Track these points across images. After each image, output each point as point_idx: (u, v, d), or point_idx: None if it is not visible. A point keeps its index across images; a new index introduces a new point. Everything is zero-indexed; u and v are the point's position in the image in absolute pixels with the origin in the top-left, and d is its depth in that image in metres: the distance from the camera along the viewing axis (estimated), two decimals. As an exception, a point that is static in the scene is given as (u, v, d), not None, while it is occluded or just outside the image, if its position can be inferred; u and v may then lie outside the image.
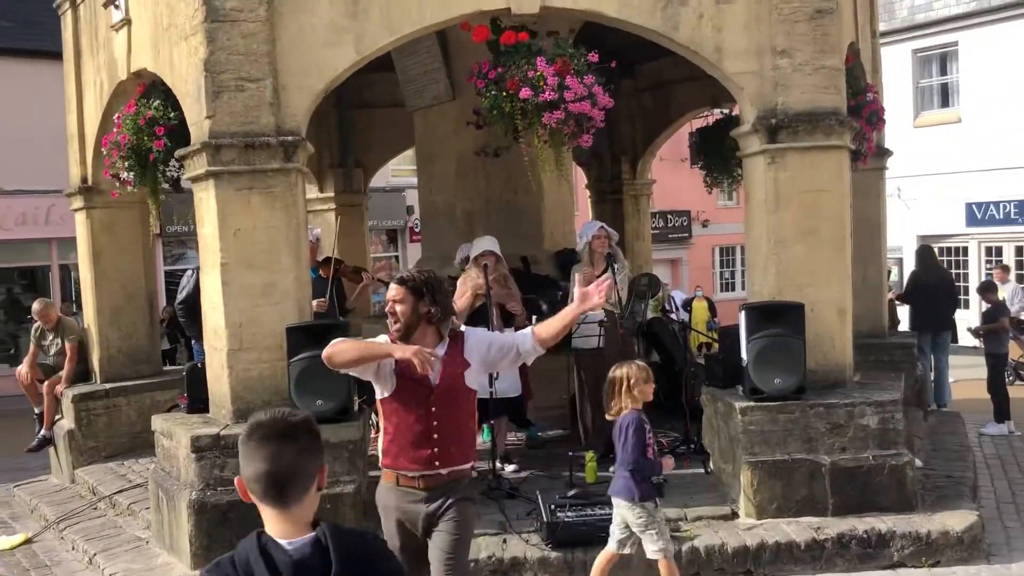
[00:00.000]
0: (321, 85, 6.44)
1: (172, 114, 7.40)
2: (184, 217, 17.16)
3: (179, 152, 6.75)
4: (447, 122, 9.33)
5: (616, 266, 6.95)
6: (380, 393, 3.90)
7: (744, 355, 6.28)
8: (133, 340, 9.15)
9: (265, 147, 6.23)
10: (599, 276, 7.15)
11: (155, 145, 7.40)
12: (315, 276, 7.79)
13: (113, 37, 8.03)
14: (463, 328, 4.11)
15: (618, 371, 5.13)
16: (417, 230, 24.04)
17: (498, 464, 6.94)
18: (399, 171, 21.71)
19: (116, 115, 7.81)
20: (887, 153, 9.82)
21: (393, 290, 3.88)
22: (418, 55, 9.27)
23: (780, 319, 6.26)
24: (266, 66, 6.26)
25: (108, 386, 8.92)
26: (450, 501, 3.87)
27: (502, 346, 4.01)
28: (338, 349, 3.89)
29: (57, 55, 10.67)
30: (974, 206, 20.19)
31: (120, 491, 7.78)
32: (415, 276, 3.89)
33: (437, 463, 3.83)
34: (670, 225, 27.95)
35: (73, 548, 7.07)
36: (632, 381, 5.02)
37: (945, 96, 21.14)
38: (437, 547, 3.86)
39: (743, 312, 6.36)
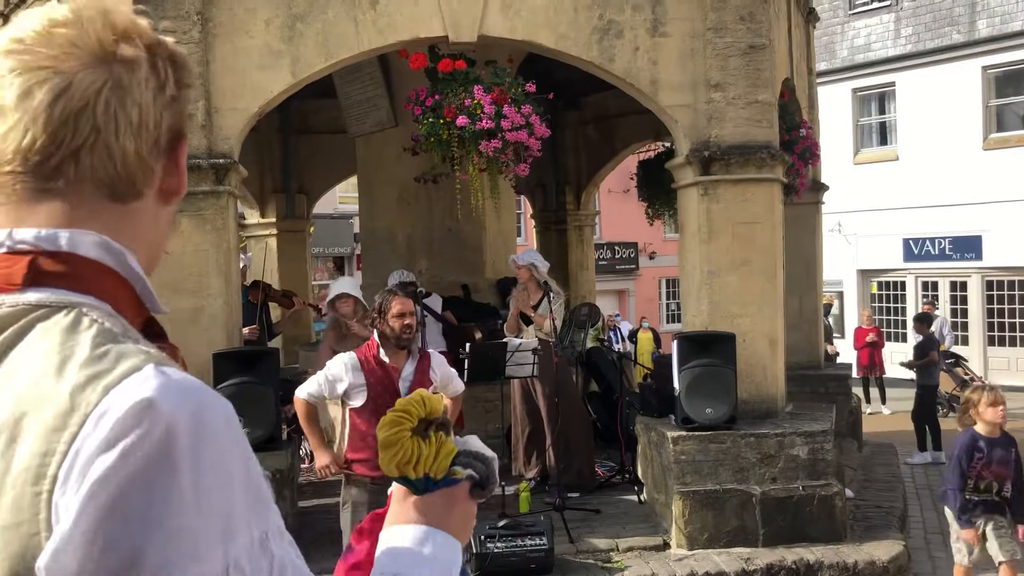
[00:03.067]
0: (255, 107, 6.38)
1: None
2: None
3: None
4: (389, 148, 9.29)
5: (551, 295, 6.94)
6: (352, 404, 4.42)
7: (676, 384, 6.31)
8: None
9: (196, 169, 6.12)
10: (534, 306, 7.20)
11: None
12: (245, 301, 7.66)
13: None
14: (428, 350, 4.61)
15: (972, 393, 5.61)
16: (364, 258, 23.98)
17: None
18: (346, 198, 21.59)
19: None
20: (823, 188, 10.03)
21: (409, 305, 4.44)
22: (360, 81, 9.25)
23: (712, 349, 6.31)
24: (198, 87, 6.17)
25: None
26: None
27: (451, 379, 4.68)
28: (300, 412, 4.62)
29: None
30: (911, 241, 20.67)
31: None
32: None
33: None
34: (617, 256, 28.17)
35: None
36: (975, 402, 5.43)
37: (884, 134, 21.69)
38: None
39: (675, 342, 6.40)
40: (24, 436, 0.77)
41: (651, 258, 28.64)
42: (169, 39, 0.96)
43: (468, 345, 6.53)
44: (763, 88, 6.66)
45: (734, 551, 6.07)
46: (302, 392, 4.56)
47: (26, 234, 0.86)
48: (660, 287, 29.28)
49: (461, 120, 6.29)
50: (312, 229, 13.51)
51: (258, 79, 6.34)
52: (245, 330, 6.87)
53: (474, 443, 1.11)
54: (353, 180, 15.08)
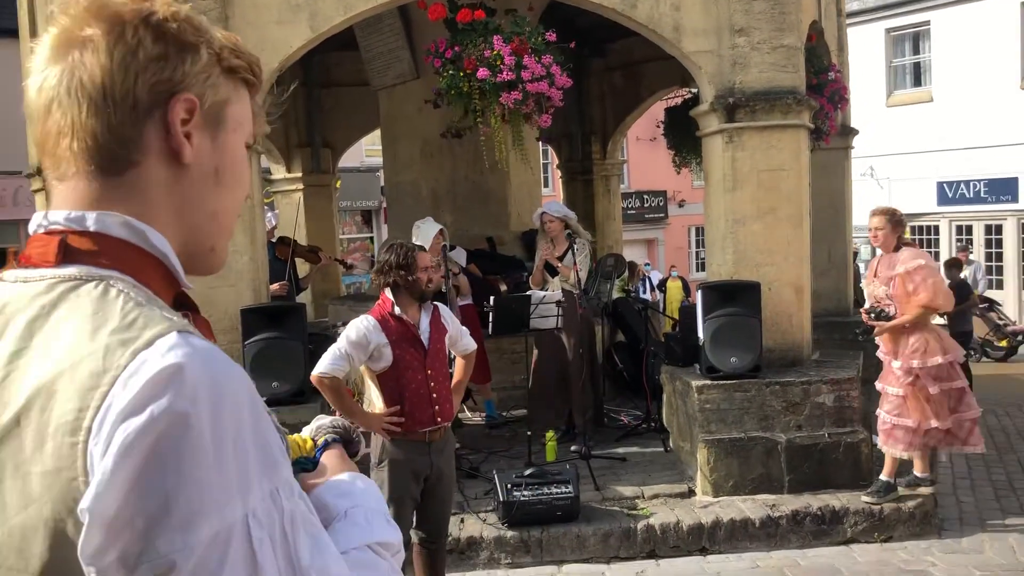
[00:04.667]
0: (275, 63, 6.36)
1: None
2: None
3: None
4: (412, 101, 9.25)
5: (575, 246, 6.94)
6: (377, 368, 4.30)
7: (701, 334, 6.31)
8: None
9: (219, 127, 6.15)
10: (560, 257, 7.20)
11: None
12: (272, 257, 7.73)
13: (68, 15, 7.91)
14: (436, 303, 4.56)
15: None
16: (392, 210, 24.01)
17: None
18: (372, 151, 21.54)
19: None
20: (852, 132, 9.86)
21: (431, 260, 4.49)
22: (381, 33, 9.18)
23: (737, 298, 6.29)
24: (219, 44, 6.17)
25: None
26: (447, 452, 4.47)
27: (460, 335, 4.59)
28: (326, 392, 4.37)
29: (13, 33, 10.53)
30: (945, 185, 20.32)
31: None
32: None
33: (439, 419, 4.35)
34: (646, 205, 27.98)
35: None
36: None
37: (918, 75, 21.21)
38: (442, 498, 4.46)
39: (700, 291, 6.38)
40: (61, 393, 0.86)
41: (680, 206, 28.40)
42: (161, 3, 0.99)
43: (492, 298, 6.56)
44: (789, 32, 6.53)
45: (759, 498, 6.11)
46: (324, 369, 4.25)
47: (58, 215, 0.96)
48: (690, 235, 29.08)
49: (481, 72, 6.24)
50: (339, 183, 13.52)
51: (277, 34, 6.31)
52: (274, 286, 6.95)
53: (325, 419, 1.42)
54: (378, 132, 15.11)
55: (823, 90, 7.83)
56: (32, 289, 0.93)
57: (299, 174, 12.28)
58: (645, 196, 27.79)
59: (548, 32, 6.43)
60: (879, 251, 6.21)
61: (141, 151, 0.97)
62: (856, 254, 17.15)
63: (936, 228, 20.81)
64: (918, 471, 6.04)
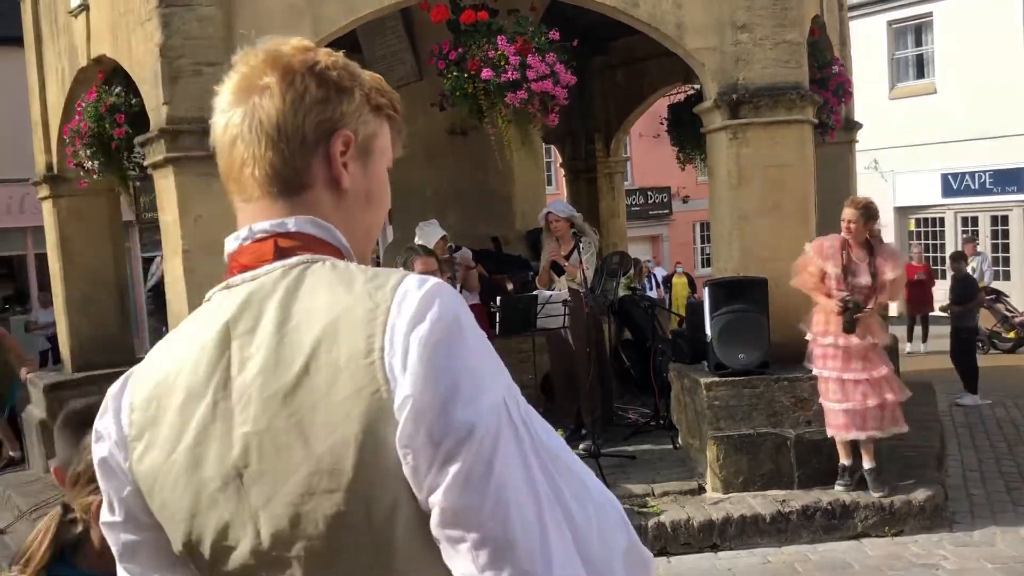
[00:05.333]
0: (280, 69, 6.38)
1: (133, 100, 7.35)
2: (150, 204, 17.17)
3: (139, 139, 6.70)
4: (415, 103, 9.23)
5: (581, 245, 6.95)
6: None
7: (708, 331, 6.31)
8: (104, 329, 9.10)
9: (225, 133, 6.17)
10: (566, 256, 7.22)
11: (116, 133, 7.35)
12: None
13: (72, 23, 7.94)
14: None
15: None
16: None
17: None
18: (377, 152, 21.61)
19: (77, 103, 7.74)
20: (856, 126, 9.85)
21: (432, 264, 4.56)
22: (384, 35, 9.21)
23: (744, 294, 6.29)
24: (223, 50, 6.19)
25: (79, 375, 8.88)
26: None
27: None
28: None
29: (15, 40, 10.55)
30: (950, 176, 20.27)
31: (93, 480, 7.77)
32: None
33: None
34: (650, 202, 27.96)
35: (45, 538, 7.06)
36: None
37: (920, 67, 21.16)
38: None
39: (707, 288, 6.39)
40: (342, 334, 1.04)
41: (684, 202, 28.37)
42: (323, 53, 1.20)
43: (498, 298, 6.58)
44: (791, 28, 6.54)
45: (769, 494, 6.12)
46: None
47: (263, 225, 1.14)
48: (695, 231, 29.04)
49: (486, 73, 6.26)
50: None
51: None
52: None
53: None
54: (382, 135, 15.16)
55: (827, 84, 7.83)
56: (268, 279, 1.10)
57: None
58: (649, 193, 27.77)
59: (551, 31, 6.44)
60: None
61: (311, 178, 1.15)
62: None
63: (941, 220, 20.76)
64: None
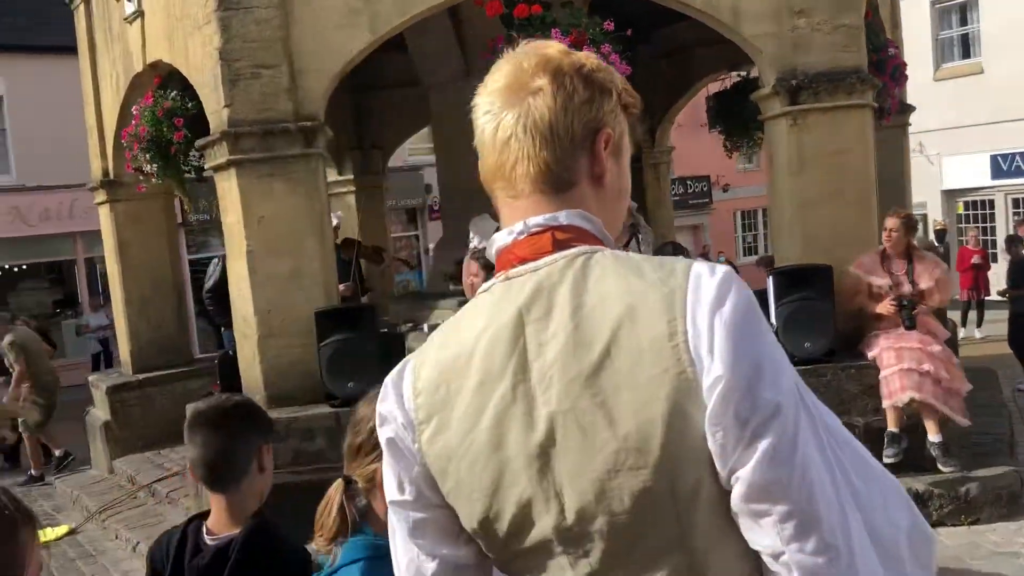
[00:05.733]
0: (337, 68, 6.43)
1: (190, 104, 7.44)
2: (209, 205, 17.30)
3: (199, 142, 6.77)
4: (463, 99, 9.20)
5: (640, 236, 6.91)
6: None
7: (773, 320, 6.25)
8: (162, 331, 9.25)
9: (284, 133, 6.23)
10: (623, 246, 7.18)
11: (175, 136, 7.44)
12: (337, 259, 7.81)
13: (127, 29, 8.04)
14: None
15: None
16: (436, 208, 24.08)
17: None
18: (416, 150, 21.66)
19: (134, 107, 7.85)
20: (909, 109, 9.70)
21: (473, 267, 4.54)
22: (431, 33, 9.21)
23: (808, 282, 6.22)
24: (281, 52, 6.25)
25: (140, 377, 9.03)
26: None
27: None
28: None
29: (73, 49, 10.72)
30: (999, 157, 19.88)
31: (158, 480, 7.89)
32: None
33: None
34: (690, 191, 27.74)
35: (116, 537, 7.19)
36: None
37: (966, 47, 20.77)
38: None
39: (771, 277, 6.32)
40: (641, 318, 1.10)
41: (724, 191, 28.11)
42: (584, 56, 1.25)
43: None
44: (849, 11, 6.44)
45: (839, 483, 6.04)
46: None
47: (537, 220, 1.20)
48: (735, 220, 28.81)
49: (541, 66, 6.23)
50: (387, 183, 13.61)
51: (338, 39, 6.37)
52: (341, 287, 7.02)
53: None
54: (421, 132, 15.19)
55: (884, 67, 7.69)
56: (553, 269, 1.16)
57: (350, 176, 12.37)
58: (688, 182, 27.55)
59: (605, 21, 6.40)
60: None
61: (578, 175, 1.21)
62: (943, 234, 17.04)
63: (991, 203, 20.38)
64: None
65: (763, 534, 1.07)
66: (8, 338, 9.98)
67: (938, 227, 18.24)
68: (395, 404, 1.24)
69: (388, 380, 1.27)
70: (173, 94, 7.57)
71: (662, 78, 12.61)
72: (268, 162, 6.26)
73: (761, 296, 6.73)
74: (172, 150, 7.54)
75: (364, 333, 6.10)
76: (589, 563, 1.13)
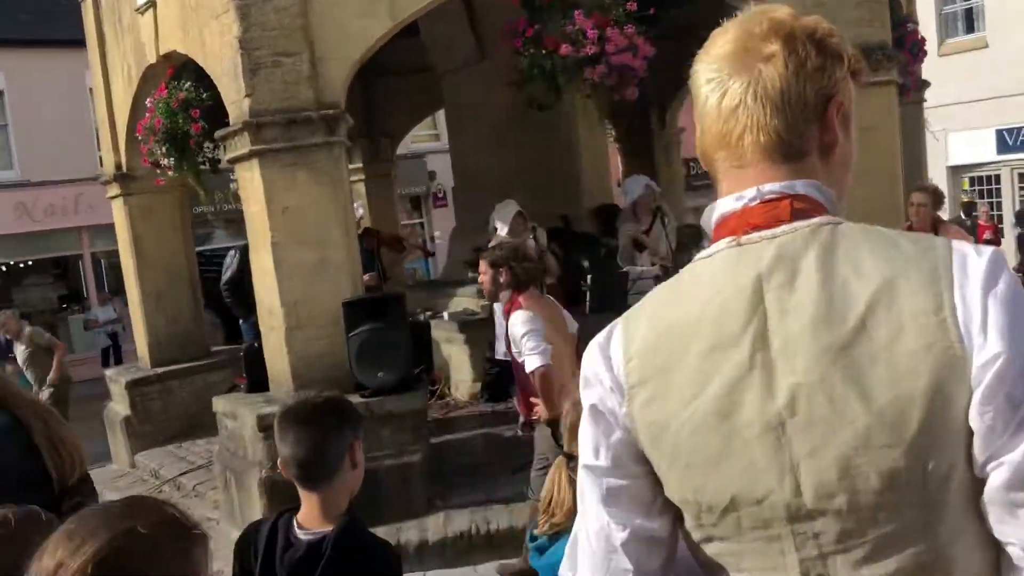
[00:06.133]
0: (357, 55, 6.36)
1: (205, 95, 7.36)
2: (219, 197, 17.17)
3: (218, 133, 6.70)
4: (477, 84, 9.22)
5: (666, 219, 6.86)
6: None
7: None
8: (179, 324, 9.20)
9: (307, 122, 6.17)
10: (646, 231, 7.14)
11: (192, 128, 7.36)
12: (359, 249, 7.75)
13: (138, 21, 7.96)
14: (523, 302, 4.57)
15: None
16: (441, 196, 24.00)
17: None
18: (418, 137, 21.58)
19: (148, 100, 7.77)
20: (925, 85, 9.63)
21: (481, 265, 4.67)
22: (444, 18, 9.12)
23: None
24: (301, 40, 6.18)
25: (159, 371, 9.00)
26: None
27: (513, 340, 4.57)
28: (547, 382, 4.50)
29: (76, 43, 10.63)
30: (1005, 132, 19.81)
31: (183, 473, 7.87)
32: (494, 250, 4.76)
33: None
34: (693, 173, 27.59)
35: (144, 532, 7.16)
36: None
37: (970, 22, 20.66)
38: None
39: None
40: (901, 292, 1.06)
41: (727, 172, 28.03)
42: (815, 20, 1.20)
43: (589, 276, 6.52)
44: (875, -14, 6.37)
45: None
46: (547, 360, 4.40)
47: (772, 187, 1.16)
48: (738, 200, 28.72)
49: (564, 48, 6.17)
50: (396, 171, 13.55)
51: (358, 26, 6.29)
52: (365, 277, 6.96)
53: None
54: (429, 119, 15.13)
55: (903, 43, 7.65)
56: (796, 237, 1.13)
57: (359, 164, 12.30)
58: (691, 164, 27.41)
59: (627, 2, 6.33)
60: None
61: (809, 144, 1.17)
62: (971, 207, 16.96)
63: (997, 177, 20.31)
64: None
65: (1019, 525, 1.01)
66: (27, 328, 9.94)
67: (966, 200, 18.09)
68: (603, 367, 1.19)
69: (594, 344, 1.23)
70: (187, 85, 7.49)
71: (668, 60, 12.46)
72: (291, 151, 6.20)
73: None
74: (190, 143, 7.46)
75: (392, 322, 6.06)
76: (817, 545, 1.07)
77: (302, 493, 2.15)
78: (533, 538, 1.93)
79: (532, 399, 4.58)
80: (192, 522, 1.29)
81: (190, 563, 1.23)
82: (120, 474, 8.89)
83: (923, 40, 8.22)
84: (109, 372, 9.91)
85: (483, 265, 4.72)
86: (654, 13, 6.72)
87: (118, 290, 19.79)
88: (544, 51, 6.25)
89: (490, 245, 7.09)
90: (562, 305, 7.04)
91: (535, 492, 4.69)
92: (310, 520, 2.13)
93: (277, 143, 6.17)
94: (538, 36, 6.30)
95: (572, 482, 1.79)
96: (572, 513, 1.78)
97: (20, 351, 9.93)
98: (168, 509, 1.27)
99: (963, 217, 14.97)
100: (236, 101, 6.39)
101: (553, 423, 4.35)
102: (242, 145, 6.31)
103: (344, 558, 2.04)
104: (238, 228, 20.94)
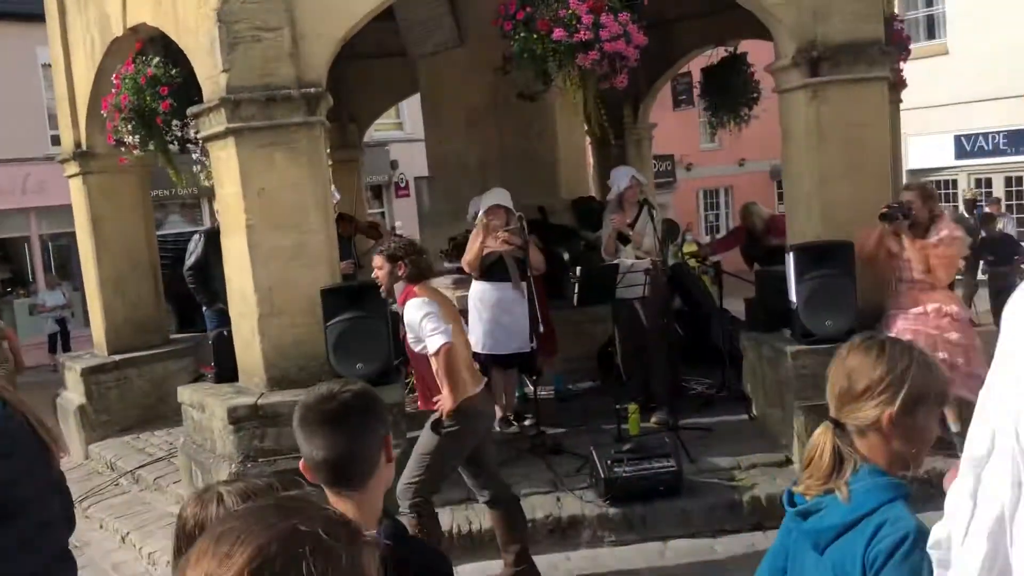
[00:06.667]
0: (341, 33, 6.09)
1: (174, 71, 7.03)
2: (175, 181, 16.61)
3: (191, 109, 6.38)
4: (455, 69, 8.99)
5: (653, 212, 6.71)
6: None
7: (793, 298, 6.11)
8: (139, 310, 8.83)
9: (287, 100, 5.90)
10: (630, 223, 6.98)
11: (161, 106, 7.02)
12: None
13: (104, -9, 7.58)
14: (417, 291, 4.69)
15: None
16: (403, 185, 23.66)
17: (509, 418, 6.95)
18: (381, 125, 21.21)
19: (114, 75, 7.39)
20: (903, 85, 9.64)
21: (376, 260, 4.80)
22: (421, 1, 8.89)
23: (830, 259, 6.08)
24: (283, 14, 5.90)
25: (117, 358, 8.62)
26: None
27: (411, 327, 4.66)
28: (446, 360, 4.61)
29: (28, 17, 10.18)
30: (963, 138, 20.12)
31: (142, 465, 7.53)
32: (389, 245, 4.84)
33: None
34: (654, 169, 27.62)
35: (102, 527, 6.83)
36: None
37: (931, 28, 20.92)
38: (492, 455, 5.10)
39: (791, 253, 6.16)
40: None
41: (688, 169, 28.15)
42: None
43: (578, 268, 6.35)
44: (870, -21, 6.29)
45: (860, 463, 5.95)
46: (448, 338, 4.54)
47: None
48: (698, 199, 28.86)
49: (557, 33, 5.97)
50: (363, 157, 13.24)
51: (342, 1, 6.03)
52: (341, 264, 6.71)
53: None
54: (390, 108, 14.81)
55: (889, 41, 7.58)
56: None
57: (327, 150, 11.94)
58: (653, 161, 27.46)
59: (622, -12, 6.15)
60: None
61: None
62: (974, 204, 17.06)
63: (954, 182, 20.62)
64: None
65: None
66: None
67: (968, 196, 18.11)
68: None
69: None
70: (156, 60, 7.14)
71: (645, 53, 12.33)
72: (269, 130, 5.92)
73: (774, 274, 6.60)
74: (159, 121, 7.12)
75: (372, 312, 5.81)
76: None
77: (333, 496, 1.93)
78: (792, 502, 1.94)
79: (435, 397, 4.67)
80: (357, 524, 1.05)
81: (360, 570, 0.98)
82: (73, 465, 8.49)
83: (908, 39, 8.19)
84: (63, 358, 9.49)
85: (379, 260, 4.80)
86: (646, 3, 6.54)
87: (66, 274, 19.23)
88: (536, 35, 6.04)
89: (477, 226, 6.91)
90: (544, 297, 6.92)
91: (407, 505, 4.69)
92: None
93: (255, 121, 5.89)
94: (530, 19, 6.10)
95: (836, 450, 1.86)
96: (827, 478, 1.87)
97: None
98: (328, 509, 1.03)
99: (966, 216, 15.03)
100: (212, 76, 6.08)
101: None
102: (217, 123, 6.01)
103: (398, 567, 1.83)
104: (193, 213, 20.45)
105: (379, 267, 4.81)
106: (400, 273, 4.70)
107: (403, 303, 4.71)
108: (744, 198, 12.02)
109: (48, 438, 2.21)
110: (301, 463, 1.96)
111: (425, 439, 4.72)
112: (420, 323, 4.53)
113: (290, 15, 5.91)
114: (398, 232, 10.34)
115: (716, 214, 29.66)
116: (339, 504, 1.93)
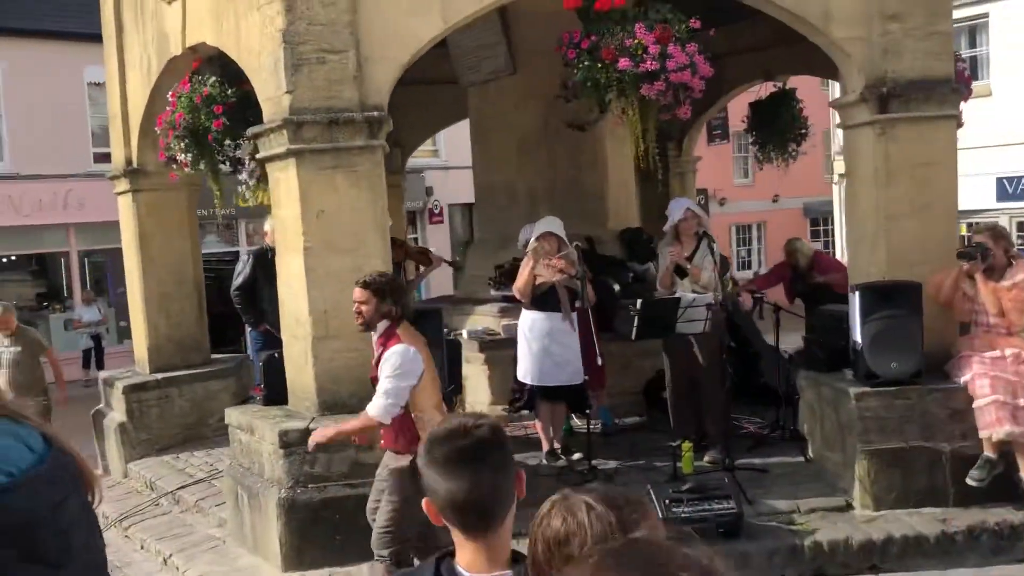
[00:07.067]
0: (405, 57, 6.07)
1: (230, 91, 7.04)
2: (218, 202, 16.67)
3: (252, 130, 6.35)
4: (506, 97, 8.95)
5: (713, 246, 6.59)
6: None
7: (858, 338, 5.95)
8: (182, 328, 8.80)
9: (349, 123, 5.85)
10: (689, 256, 6.86)
11: (214, 125, 7.02)
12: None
13: (163, 9, 7.61)
14: (401, 335, 4.61)
15: None
16: (437, 212, 23.70)
17: (556, 451, 6.81)
18: (418, 152, 21.23)
19: (170, 93, 7.41)
20: (960, 125, 9.47)
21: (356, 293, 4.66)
22: (475, 28, 8.84)
23: (897, 299, 5.93)
24: (348, 36, 5.88)
25: (159, 376, 8.58)
26: None
27: (381, 369, 4.61)
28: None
29: (79, 37, 10.25)
30: (1005, 180, 19.87)
31: (183, 486, 7.45)
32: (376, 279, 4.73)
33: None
34: (701, 203, 27.58)
35: (143, 547, 6.74)
36: None
37: (975, 69, 20.73)
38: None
39: (858, 293, 6.01)
40: None
41: (721, 204, 28.01)
42: None
43: (638, 301, 6.22)
44: (943, 18, 6.20)
45: (925, 512, 5.76)
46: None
47: None
48: (731, 234, 28.68)
49: (623, 62, 5.91)
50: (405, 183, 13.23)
51: (408, 25, 6.00)
52: (394, 290, 6.62)
53: None
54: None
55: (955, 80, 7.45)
56: None
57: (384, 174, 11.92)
58: (701, 194, 27.39)
59: (691, 19, 6.09)
60: None
61: None
62: None
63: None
64: None
65: None
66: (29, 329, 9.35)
67: None
68: None
69: None
70: (212, 80, 7.15)
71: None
72: (331, 153, 5.87)
73: (837, 312, 6.45)
74: (210, 139, 7.12)
75: (430, 339, 5.69)
76: None
77: (465, 538, 1.81)
78: None
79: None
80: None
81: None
82: (111, 484, 8.42)
83: (970, 79, 8.05)
84: (104, 375, 9.46)
85: (364, 293, 4.66)
86: (713, 34, 6.48)
87: (99, 291, 19.32)
88: (600, 64, 5.98)
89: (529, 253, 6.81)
90: (596, 330, 6.79)
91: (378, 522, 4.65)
92: (478, 566, 1.79)
93: (316, 143, 5.85)
94: (594, 48, 6.04)
95: None
96: None
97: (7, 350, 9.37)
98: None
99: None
100: (273, 97, 6.05)
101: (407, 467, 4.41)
102: (278, 144, 5.97)
103: None
104: (230, 233, 20.53)
105: (363, 301, 4.67)
106: (384, 311, 4.62)
107: (384, 343, 4.61)
108: (777, 234, 11.86)
109: (92, 478, 2.09)
110: (425, 503, 1.84)
111: (394, 485, 4.63)
112: (387, 377, 4.48)
113: (355, 38, 5.88)
114: (454, 261, 10.23)
115: (748, 249, 29.45)
116: (468, 545, 1.81)
